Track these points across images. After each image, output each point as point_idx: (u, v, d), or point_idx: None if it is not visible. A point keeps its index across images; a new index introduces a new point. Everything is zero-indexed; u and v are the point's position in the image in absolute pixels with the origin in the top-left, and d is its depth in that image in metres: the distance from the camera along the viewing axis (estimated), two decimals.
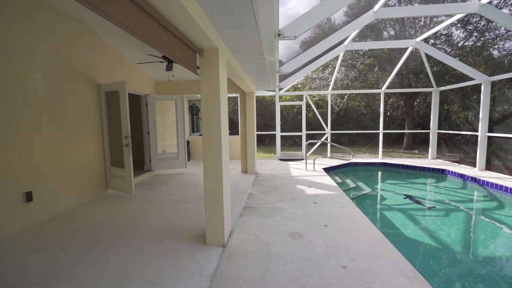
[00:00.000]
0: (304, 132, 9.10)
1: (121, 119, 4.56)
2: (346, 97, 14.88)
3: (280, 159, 9.11)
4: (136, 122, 7.27)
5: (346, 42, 7.08)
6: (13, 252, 2.82)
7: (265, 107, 15.83)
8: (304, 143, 9.06)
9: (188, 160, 9.11)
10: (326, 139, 9.05)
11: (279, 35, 2.79)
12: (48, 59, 3.82)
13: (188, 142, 9.27)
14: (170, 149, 7.03)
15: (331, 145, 9.30)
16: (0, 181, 3.17)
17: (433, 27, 7.30)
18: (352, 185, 6.27)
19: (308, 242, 2.94)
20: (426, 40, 8.55)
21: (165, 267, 2.49)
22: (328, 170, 7.35)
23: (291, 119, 14.93)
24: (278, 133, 9.17)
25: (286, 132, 12.55)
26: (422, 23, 8.85)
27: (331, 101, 9.89)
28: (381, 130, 8.92)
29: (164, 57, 4.92)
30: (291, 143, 15.05)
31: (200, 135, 9.75)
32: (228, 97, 15.51)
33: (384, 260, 2.55)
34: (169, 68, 5.31)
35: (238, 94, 7.14)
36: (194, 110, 10.33)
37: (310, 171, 6.94)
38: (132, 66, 5.99)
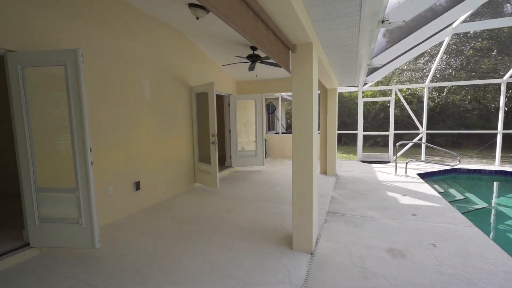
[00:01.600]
0: (392, 132, 8.09)
1: (209, 118, 4.87)
2: (446, 90, 12.51)
3: (362, 161, 8.34)
4: (219, 120, 7.76)
5: (455, 24, 5.88)
6: (128, 232, 3.29)
7: (342, 104, 14.86)
8: (392, 143, 8.06)
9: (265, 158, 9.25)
10: (420, 139, 7.82)
11: (382, 21, 2.42)
12: (153, 65, 4.34)
13: (264, 140, 9.43)
14: (248, 147, 7.23)
15: (425, 148, 7.99)
16: (119, 172, 3.75)
17: None
18: (459, 196, 5.21)
19: (413, 264, 2.49)
20: None
21: (254, 268, 2.48)
22: (423, 176, 6.31)
23: (372, 117, 13.57)
24: (360, 132, 8.41)
25: (369, 131, 11.42)
26: None
27: (428, 96, 8.46)
28: (499, 130, 7.13)
29: (248, 57, 5.02)
30: (372, 143, 13.70)
31: (276, 133, 9.79)
32: None
33: None
34: (251, 68, 5.40)
35: (319, 91, 6.80)
36: (270, 109, 10.43)
37: (402, 176, 6.09)
38: (218, 68, 6.37)
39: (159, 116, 4.50)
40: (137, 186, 4.06)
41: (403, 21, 2.41)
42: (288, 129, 14.35)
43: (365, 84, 8.10)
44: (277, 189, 5.20)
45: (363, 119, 8.46)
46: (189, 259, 2.65)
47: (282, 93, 9.02)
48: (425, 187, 5.11)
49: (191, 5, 3.36)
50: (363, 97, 8.42)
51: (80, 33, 3.22)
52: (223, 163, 7.43)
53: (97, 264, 2.59)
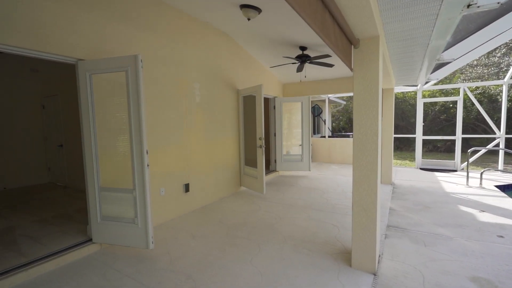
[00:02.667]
0: (459, 136, 7.09)
1: (256, 121, 4.78)
2: None
3: (421, 168, 7.48)
4: (264, 123, 7.67)
5: None
6: (178, 234, 3.33)
7: (395, 105, 13.67)
8: (459, 149, 7.07)
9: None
10: (497, 145, 6.71)
11: (469, 5, 2.02)
12: (203, 69, 4.41)
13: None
14: (294, 151, 6.99)
15: (504, 155, 6.83)
16: (170, 174, 3.85)
17: None
18: None
19: None
20: None
21: (309, 284, 2.25)
22: (503, 188, 5.36)
23: (431, 119, 12.19)
24: (419, 137, 7.56)
25: (429, 136, 10.19)
26: None
27: (508, 94, 7.17)
28: None
29: (297, 57, 4.82)
30: (430, 149, 12.30)
31: (322, 137, 9.36)
32: (346, 95, 14.40)
33: None
34: (300, 69, 5.19)
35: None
36: (316, 111, 10.04)
37: (475, 188, 5.25)
38: (264, 70, 6.29)
39: (208, 120, 4.54)
40: (187, 188, 4.12)
41: (498, 3, 1.98)
42: (335, 132, 13.70)
43: (427, 82, 7.26)
44: (327, 196, 4.87)
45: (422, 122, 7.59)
46: (239, 268, 2.54)
47: (329, 95, 8.59)
48: (509, 203, 4.30)
49: (243, 6, 3.30)
50: (422, 97, 7.56)
51: (137, 40, 3.38)
52: (268, 166, 7.30)
53: (151, 265, 2.63)
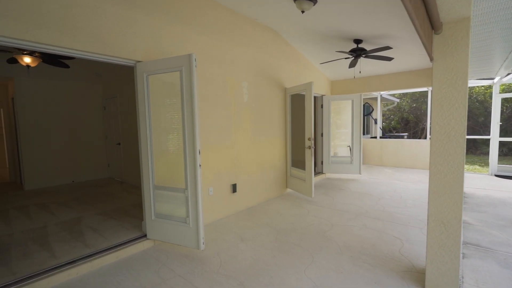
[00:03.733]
0: None
1: (305, 120, 4.55)
2: None
3: (497, 175, 6.44)
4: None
5: None
6: (227, 236, 3.28)
7: None
8: None
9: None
10: None
11: None
12: (251, 68, 4.32)
13: None
14: (342, 152, 6.57)
15: None
16: (219, 173, 3.83)
17: None
18: None
19: None
20: None
21: None
22: None
23: (506, 118, 10.50)
24: (494, 138, 6.53)
25: (507, 137, 8.73)
26: None
27: None
28: None
29: (351, 51, 4.46)
30: (505, 152, 10.61)
31: (373, 137, 8.69)
32: (409, 92, 13.09)
33: None
34: (353, 64, 4.81)
35: (430, 88, 5.55)
36: (366, 110, 9.36)
37: None
38: (312, 68, 6.00)
39: (255, 119, 4.45)
40: (234, 188, 4.08)
41: None
42: (386, 133, 12.63)
43: (508, 74, 6.19)
44: (383, 203, 4.42)
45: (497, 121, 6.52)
46: (293, 278, 2.37)
47: (382, 92, 7.91)
48: None
49: None
50: (500, 92, 6.49)
51: (190, 40, 3.40)
52: (314, 168, 6.97)
53: (202, 266, 2.60)
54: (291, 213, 4.06)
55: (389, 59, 4.45)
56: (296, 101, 5.10)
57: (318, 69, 6.26)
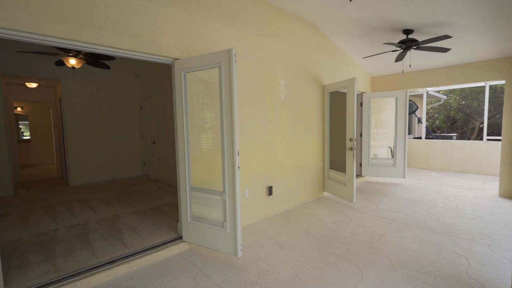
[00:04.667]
0: None
1: (347, 120, 4.21)
2: None
3: None
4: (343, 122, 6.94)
5: None
6: (264, 242, 3.09)
7: None
8: None
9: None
10: None
11: None
12: (288, 64, 4.09)
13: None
14: (383, 154, 6.07)
15: None
16: (254, 175, 3.66)
17: None
18: None
19: None
20: None
21: None
22: None
23: None
24: None
25: None
26: None
27: None
28: None
29: (400, 43, 4.03)
30: None
31: (417, 138, 7.98)
32: (458, 88, 11.90)
33: None
34: (400, 58, 4.37)
35: (504, 81, 4.87)
36: (409, 108, 8.64)
37: None
38: (351, 63, 5.60)
39: (292, 118, 4.21)
40: (270, 191, 3.88)
41: None
42: (431, 133, 11.58)
43: None
44: (436, 213, 3.94)
45: None
46: None
47: (429, 88, 7.20)
48: None
49: None
50: None
51: (227, 35, 3.27)
52: None
53: (240, 275, 2.43)
54: (331, 219, 3.77)
55: (445, 50, 3.95)
56: (336, 99, 4.79)
57: (358, 65, 5.84)
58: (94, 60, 4.36)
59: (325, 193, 5.01)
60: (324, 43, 4.78)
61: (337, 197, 4.77)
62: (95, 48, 2.37)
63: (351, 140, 4.13)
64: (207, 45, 3.07)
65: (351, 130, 4.12)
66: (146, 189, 5.51)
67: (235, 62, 2.45)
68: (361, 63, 5.73)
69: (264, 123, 3.76)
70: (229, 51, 2.44)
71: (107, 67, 4.66)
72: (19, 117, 11.62)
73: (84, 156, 6.16)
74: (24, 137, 12.10)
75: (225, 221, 2.64)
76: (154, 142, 6.47)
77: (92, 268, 2.46)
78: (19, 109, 9.29)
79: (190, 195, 2.90)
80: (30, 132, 9.80)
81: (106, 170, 6.52)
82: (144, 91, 6.81)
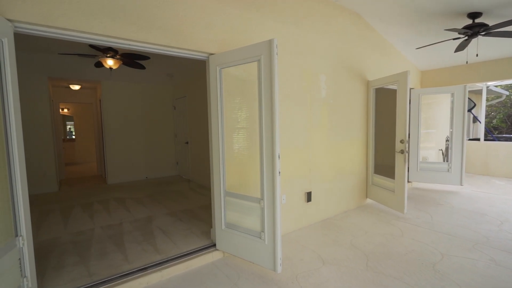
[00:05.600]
0: None
1: (397, 119, 3.73)
2: None
3: None
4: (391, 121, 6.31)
5: None
6: (305, 254, 2.78)
7: None
8: None
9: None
10: None
11: None
12: (329, 58, 3.72)
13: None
14: (433, 157, 5.40)
15: None
16: (292, 179, 3.36)
17: None
18: None
19: None
20: None
21: None
22: None
23: None
24: None
25: None
26: None
27: None
28: None
29: (465, 28, 3.45)
30: None
31: (473, 139, 7.04)
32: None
33: None
34: (462, 47, 3.77)
35: None
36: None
37: None
38: (398, 56, 5.03)
39: (333, 118, 3.83)
40: (309, 197, 3.55)
41: None
42: (492, 134, 10.26)
43: None
44: (509, 229, 3.31)
45: None
46: None
47: (490, 83, 6.28)
48: None
49: None
50: None
51: (264, 28, 3.00)
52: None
53: None
54: (379, 231, 3.33)
55: None
56: (382, 96, 4.30)
57: (405, 58, 5.24)
58: (130, 60, 4.37)
59: (368, 200, 4.54)
60: (368, 35, 4.32)
61: (382, 205, 4.28)
62: (128, 44, 2.25)
63: (402, 142, 3.64)
64: (243, 39, 2.83)
65: (402, 130, 3.63)
66: (178, 190, 5.47)
67: (277, 54, 2.18)
68: (409, 56, 5.14)
69: (303, 122, 3.43)
70: (269, 42, 2.18)
71: (143, 67, 4.67)
72: (66, 118, 12.54)
73: (121, 156, 6.33)
74: (72, 137, 13.04)
75: (262, 231, 2.38)
76: (187, 142, 6.45)
77: (124, 275, 2.35)
78: (65, 110, 9.96)
79: (225, 200, 2.68)
80: (75, 132, 10.48)
81: (141, 169, 6.64)
82: (177, 91, 6.84)
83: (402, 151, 3.65)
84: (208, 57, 2.65)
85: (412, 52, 4.94)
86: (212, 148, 2.71)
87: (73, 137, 12.27)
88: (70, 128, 14.70)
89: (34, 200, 4.85)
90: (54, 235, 3.28)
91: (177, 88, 6.82)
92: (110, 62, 4.19)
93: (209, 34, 2.59)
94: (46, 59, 4.76)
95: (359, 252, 2.81)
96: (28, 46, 4.17)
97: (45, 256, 2.73)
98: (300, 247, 2.96)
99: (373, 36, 4.42)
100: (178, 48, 2.46)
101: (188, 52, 2.56)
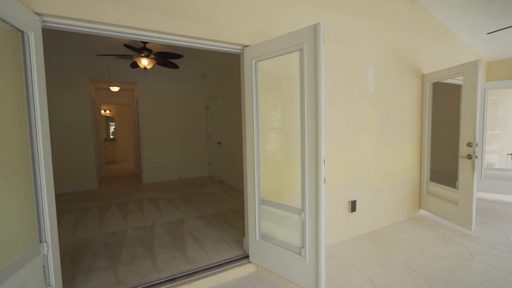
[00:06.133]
0: None
1: (462, 118, 3.14)
2: None
3: None
4: (449, 121, 5.54)
5: None
6: (351, 274, 2.39)
7: None
8: None
9: None
10: None
11: None
12: (378, 48, 3.25)
13: None
14: (499, 162, 4.58)
15: None
16: (334, 185, 2.97)
17: None
18: None
19: None
20: None
21: None
22: None
23: None
24: None
25: None
26: None
27: None
28: None
29: None
30: None
31: None
32: None
33: None
34: None
35: None
36: None
37: None
38: (459, 45, 4.33)
39: (382, 117, 3.36)
40: (353, 206, 3.13)
41: None
42: None
43: None
44: None
45: None
46: None
47: None
48: None
49: None
50: None
51: (302, 15, 2.67)
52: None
53: None
54: (441, 251, 2.80)
55: None
56: (441, 91, 3.70)
57: (468, 46, 4.50)
58: (164, 60, 4.31)
59: (422, 212, 3.94)
60: (424, 20, 3.74)
61: (441, 219, 3.68)
62: (158, 37, 2.08)
63: (469, 145, 3.04)
64: (281, 28, 2.53)
65: (470, 132, 3.04)
66: (210, 192, 5.34)
67: (323, 41, 1.84)
68: (475, 44, 4.39)
69: (347, 121, 3.03)
70: (314, 27, 1.84)
71: (176, 67, 4.60)
72: (109, 119, 13.32)
73: (155, 155, 6.40)
74: (114, 137, 13.85)
75: (303, 247, 2.05)
76: (219, 143, 6.32)
77: (152, 285, 2.19)
78: (108, 111, 10.53)
79: (260, 209, 2.40)
80: (116, 131, 11.04)
81: (175, 169, 6.66)
82: (210, 91, 6.75)
83: (469, 156, 3.05)
84: (242, 49, 2.40)
85: (479, 39, 4.21)
86: (246, 150, 2.45)
87: (114, 137, 12.99)
88: (114, 129, 15.66)
89: (75, 198, 5.05)
90: (89, 235, 3.28)
91: (210, 88, 6.74)
92: (144, 62, 4.17)
93: (243, 24, 2.33)
94: (87, 61, 4.93)
95: (418, 277, 2.35)
96: (71, 48, 4.31)
97: (78, 258, 2.69)
98: (344, 265, 2.57)
99: (430, 22, 3.82)
100: (210, 40, 2.23)
101: (221, 45, 2.33)
